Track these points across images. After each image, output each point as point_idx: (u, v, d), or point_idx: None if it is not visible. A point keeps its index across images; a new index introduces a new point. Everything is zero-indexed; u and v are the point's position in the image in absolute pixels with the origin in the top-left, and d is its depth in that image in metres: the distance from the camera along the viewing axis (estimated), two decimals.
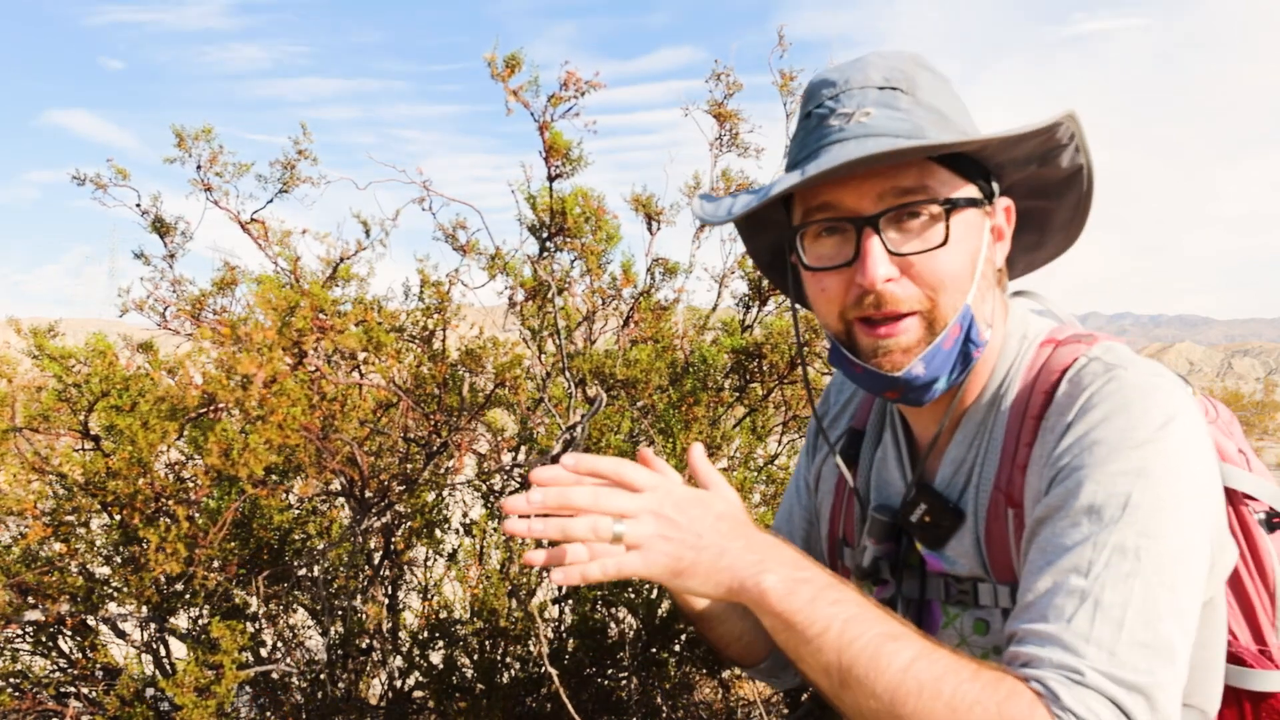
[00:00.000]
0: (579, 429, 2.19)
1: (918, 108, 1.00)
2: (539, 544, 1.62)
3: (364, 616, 2.22)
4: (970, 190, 1.03)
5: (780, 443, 2.98)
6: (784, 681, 1.32)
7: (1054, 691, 0.81)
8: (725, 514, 0.95)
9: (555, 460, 2.14)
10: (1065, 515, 0.91)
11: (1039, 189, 1.07)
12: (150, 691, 2.17)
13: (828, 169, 0.94)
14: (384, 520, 2.29)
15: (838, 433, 1.31)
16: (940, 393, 1.06)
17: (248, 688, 2.34)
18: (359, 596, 2.27)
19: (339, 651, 2.25)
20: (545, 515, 0.90)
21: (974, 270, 1.02)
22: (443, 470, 2.40)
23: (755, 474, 2.69)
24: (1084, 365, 0.99)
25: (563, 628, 2.45)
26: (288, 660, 2.33)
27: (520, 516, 0.89)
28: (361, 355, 2.30)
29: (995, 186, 1.05)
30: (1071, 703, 0.80)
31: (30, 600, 2.08)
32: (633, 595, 2.34)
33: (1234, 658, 1.07)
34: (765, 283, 2.80)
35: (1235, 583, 1.07)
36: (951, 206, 0.99)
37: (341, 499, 2.45)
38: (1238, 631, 1.07)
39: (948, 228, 0.99)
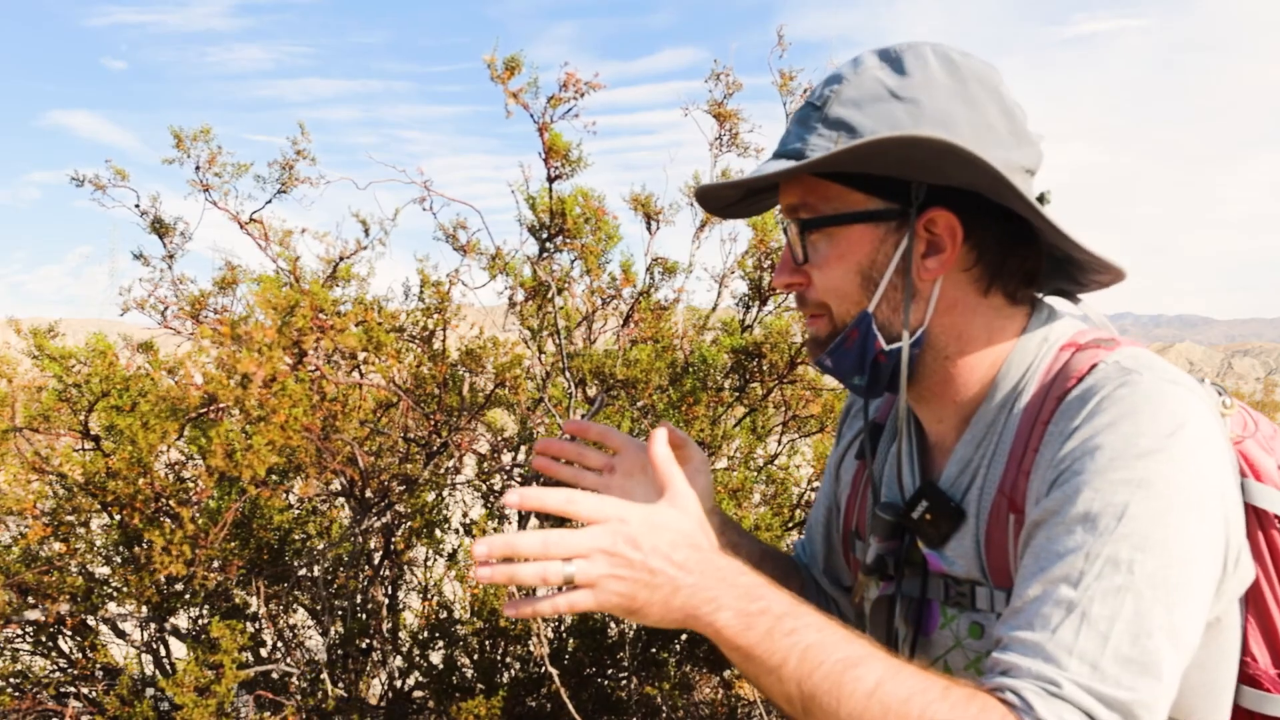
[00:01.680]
0: None
1: (822, 126, 1.02)
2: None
3: (364, 616, 2.23)
4: (870, 203, 1.02)
5: (780, 442, 2.98)
6: None
7: (1028, 702, 0.80)
8: (679, 540, 0.90)
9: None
10: (1060, 522, 0.89)
11: (994, 195, 1.02)
12: (150, 691, 2.17)
13: (699, 195, 1.15)
14: (384, 520, 2.29)
15: (860, 424, 1.30)
16: (873, 390, 1.09)
17: (247, 688, 2.34)
18: (359, 596, 2.27)
19: (339, 651, 2.25)
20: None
21: (867, 282, 1.04)
22: (443, 470, 2.40)
23: (755, 474, 2.69)
24: (1099, 370, 0.96)
25: (563, 628, 2.45)
26: (288, 660, 2.33)
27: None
28: (362, 355, 2.30)
29: (916, 196, 1.02)
30: (1045, 714, 0.79)
31: (30, 600, 2.08)
32: None
33: (1250, 680, 1.03)
34: (765, 282, 2.80)
35: (1258, 605, 1.03)
36: (806, 225, 1.04)
37: (341, 499, 2.45)
38: (1257, 654, 1.04)
39: (804, 244, 1.05)
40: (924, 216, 1.02)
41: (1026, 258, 1.07)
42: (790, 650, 0.86)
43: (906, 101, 1.00)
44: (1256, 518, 1.02)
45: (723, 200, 1.17)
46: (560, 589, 0.88)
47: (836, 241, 1.04)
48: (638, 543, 0.88)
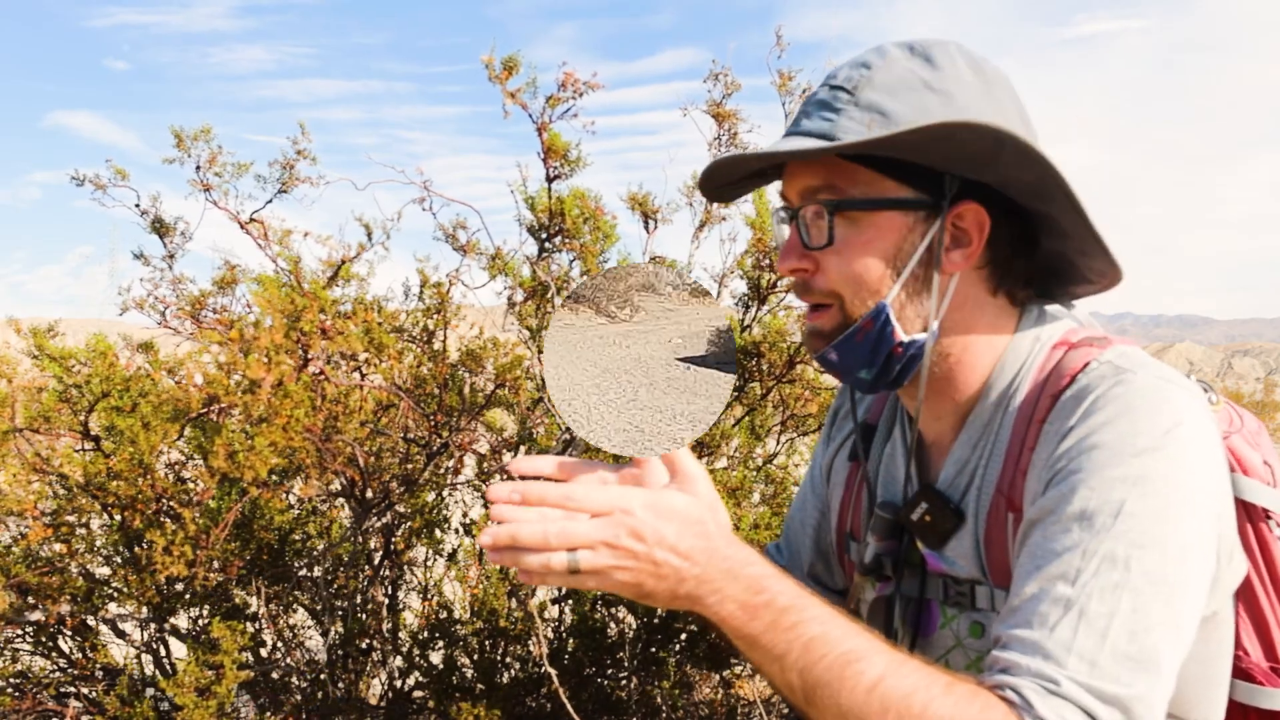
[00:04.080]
0: None
1: (854, 108, 0.99)
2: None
3: (364, 616, 2.23)
4: (901, 191, 1.01)
5: (779, 442, 2.98)
6: None
7: (1028, 700, 0.81)
8: (685, 529, 0.89)
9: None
10: (1057, 520, 0.90)
11: (1031, 193, 1.02)
12: (150, 691, 2.17)
13: (708, 168, 1.08)
14: (384, 520, 2.29)
15: (851, 425, 1.30)
16: (878, 384, 1.07)
17: (247, 688, 2.34)
18: (359, 596, 2.27)
19: (339, 651, 2.25)
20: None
21: (890, 271, 1.02)
22: (443, 470, 2.40)
23: (754, 473, 2.69)
24: (1093, 369, 0.97)
25: (563, 628, 2.45)
26: (288, 660, 2.34)
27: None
28: (363, 356, 2.30)
29: (950, 188, 1.01)
30: (1045, 712, 0.80)
31: (31, 600, 2.08)
32: None
33: (1244, 674, 1.05)
34: (764, 282, 2.80)
35: (1249, 599, 1.04)
36: (836, 208, 1.01)
37: (342, 499, 2.45)
38: (1249, 647, 1.05)
39: (830, 228, 1.01)
40: (955, 209, 1.02)
41: (1031, 259, 1.08)
42: (793, 643, 0.86)
43: (940, 94, 0.99)
44: (1245, 512, 1.03)
45: (725, 177, 1.13)
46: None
47: (863, 227, 1.01)
48: (641, 534, 0.87)
